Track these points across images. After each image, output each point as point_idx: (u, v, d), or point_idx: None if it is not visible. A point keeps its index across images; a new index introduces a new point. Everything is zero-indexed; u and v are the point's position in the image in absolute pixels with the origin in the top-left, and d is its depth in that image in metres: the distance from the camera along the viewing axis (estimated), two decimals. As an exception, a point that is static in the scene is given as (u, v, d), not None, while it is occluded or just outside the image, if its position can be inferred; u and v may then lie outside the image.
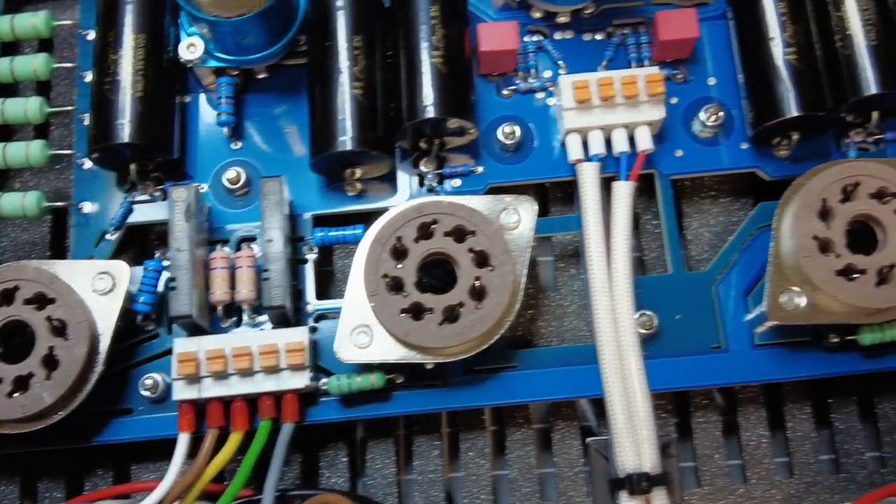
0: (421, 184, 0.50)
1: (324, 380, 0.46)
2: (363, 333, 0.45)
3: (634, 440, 0.46)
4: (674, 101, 0.51)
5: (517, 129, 0.50)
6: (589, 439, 0.48)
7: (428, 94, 0.47)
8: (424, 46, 0.48)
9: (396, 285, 0.44)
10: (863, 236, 0.46)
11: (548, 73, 0.52)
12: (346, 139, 0.47)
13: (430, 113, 0.47)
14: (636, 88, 0.48)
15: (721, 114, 0.50)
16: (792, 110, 0.47)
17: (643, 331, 0.47)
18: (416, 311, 0.44)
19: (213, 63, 0.50)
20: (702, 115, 0.50)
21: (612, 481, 0.46)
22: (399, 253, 0.45)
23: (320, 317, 0.49)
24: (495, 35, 0.49)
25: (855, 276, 0.44)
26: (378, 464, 0.50)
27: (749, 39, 0.49)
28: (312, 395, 0.47)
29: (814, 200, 0.45)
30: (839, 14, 0.49)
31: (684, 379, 0.47)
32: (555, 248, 0.53)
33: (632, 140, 0.49)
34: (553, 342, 0.51)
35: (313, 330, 0.48)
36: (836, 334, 0.47)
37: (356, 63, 0.47)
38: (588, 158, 0.49)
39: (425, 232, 0.45)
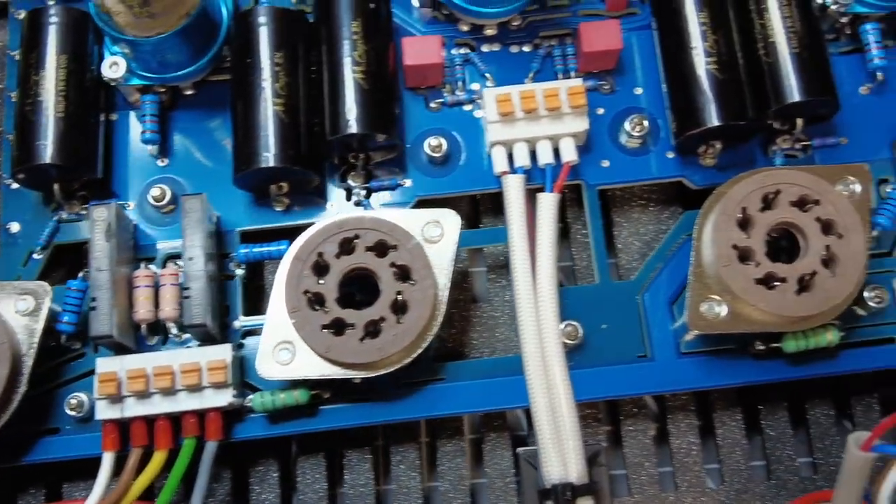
0: (349, 198, 0.50)
1: (250, 397, 0.46)
2: (285, 350, 0.45)
3: (560, 450, 0.46)
4: (600, 111, 0.51)
5: (443, 142, 0.50)
6: (519, 449, 0.49)
7: (350, 109, 0.47)
8: (346, 62, 0.48)
9: (318, 301, 0.44)
10: (788, 244, 0.47)
11: (476, 86, 0.52)
12: (269, 156, 0.47)
13: (353, 128, 0.47)
14: (558, 101, 0.48)
15: (645, 123, 0.50)
16: (713, 120, 0.47)
17: (568, 341, 0.47)
18: (338, 327, 0.44)
19: (136, 81, 0.50)
20: (627, 126, 0.50)
21: (540, 492, 0.46)
22: (320, 269, 0.45)
23: (248, 333, 0.49)
24: (419, 49, 0.50)
25: (775, 284, 0.44)
26: (309, 478, 0.49)
27: (671, 49, 0.49)
28: (238, 413, 0.47)
29: (733, 209, 0.45)
30: (762, 22, 0.49)
31: (610, 388, 0.48)
32: (487, 260, 0.53)
33: (557, 151, 0.49)
34: (485, 353, 0.51)
35: (240, 347, 0.48)
36: (761, 342, 0.47)
37: (277, 79, 0.47)
38: (513, 170, 0.49)
39: (347, 247, 0.45)
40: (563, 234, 0.54)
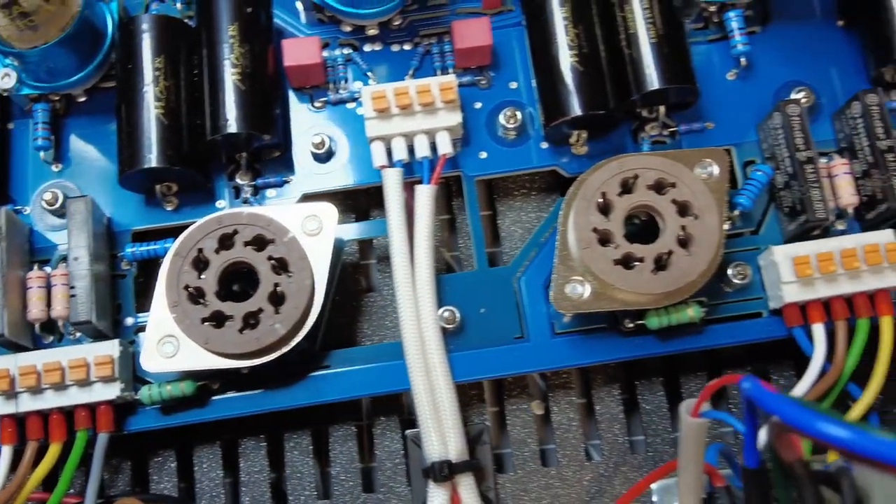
0: (237, 196, 0.52)
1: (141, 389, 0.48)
2: (169, 344, 0.47)
3: (440, 430, 0.48)
4: (478, 105, 0.54)
5: (326, 139, 0.52)
6: (408, 431, 0.51)
7: (229, 109, 0.49)
8: (225, 64, 0.50)
9: (198, 295, 0.46)
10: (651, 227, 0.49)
11: (359, 84, 0.54)
12: (151, 157, 0.49)
13: (231, 128, 0.49)
14: (431, 96, 0.50)
15: (519, 115, 0.52)
16: (575, 110, 0.49)
17: (447, 325, 0.49)
18: (218, 320, 0.46)
19: (28, 91, 0.51)
20: (501, 118, 0.52)
21: (423, 470, 0.48)
22: (200, 264, 0.47)
23: (140, 329, 0.50)
24: (298, 50, 0.52)
25: (635, 264, 0.47)
26: (206, 467, 0.52)
27: (537, 44, 0.52)
28: (131, 406, 0.49)
29: (593, 195, 0.47)
30: (623, 15, 0.51)
31: (488, 369, 0.50)
32: (376, 251, 0.55)
33: (434, 145, 0.52)
34: (375, 340, 0.53)
35: (131, 343, 0.50)
36: (630, 320, 0.50)
37: (158, 83, 0.49)
38: (393, 164, 0.51)
39: (226, 243, 0.47)
40: (451, 224, 0.56)
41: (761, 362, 0.53)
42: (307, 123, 0.53)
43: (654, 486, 0.49)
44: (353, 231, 0.53)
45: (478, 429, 0.51)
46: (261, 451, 0.52)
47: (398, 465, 0.51)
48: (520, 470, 0.51)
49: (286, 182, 0.52)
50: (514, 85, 0.54)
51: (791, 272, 0.47)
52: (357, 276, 0.55)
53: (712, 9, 0.54)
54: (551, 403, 0.53)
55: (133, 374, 0.49)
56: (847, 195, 0.50)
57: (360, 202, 0.56)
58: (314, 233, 0.48)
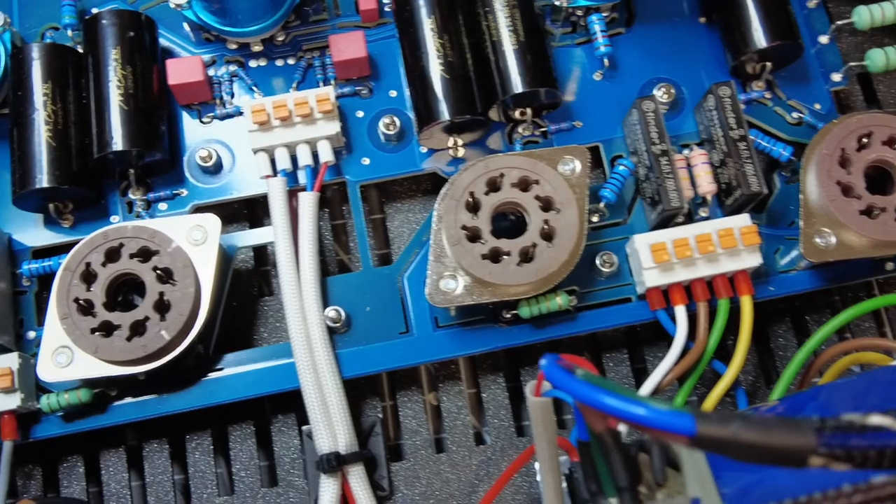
0: (130, 210, 0.55)
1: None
2: (62, 354, 0.49)
3: (330, 424, 0.51)
4: (360, 114, 0.56)
5: (213, 152, 0.54)
6: (304, 427, 0.53)
7: (114, 129, 0.52)
8: (110, 86, 0.52)
9: (88, 307, 0.49)
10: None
11: (246, 99, 0.57)
12: (41, 177, 0.51)
13: (117, 146, 0.51)
14: (308, 108, 0.53)
15: (398, 122, 0.55)
16: (443, 115, 0.52)
17: (333, 325, 0.52)
18: (107, 329, 0.49)
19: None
20: (381, 126, 0.55)
21: (315, 463, 0.51)
22: (89, 277, 0.49)
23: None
24: (182, 69, 0.54)
25: (502, 258, 0.49)
26: (112, 469, 0.54)
27: (408, 54, 0.54)
28: (35, 415, 0.51)
29: (461, 194, 0.50)
30: (487, 23, 0.54)
31: (375, 364, 0.52)
32: (271, 257, 0.58)
33: (316, 154, 0.54)
34: (272, 341, 0.55)
35: (34, 355, 0.52)
36: (507, 310, 0.52)
37: (45, 108, 0.52)
38: (276, 173, 0.54)
39: (113, 256, 0.50)
40: (343, 228, 0.59)
41: (639, 344, 0.56)
42: (196, 138, 0.56)
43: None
44: (247, 239, 0.56)
45: (371, 421, 0.54)
46: (164, 452, 0.54)
47: (296, 459, 0.54)
48: (412, 458, 0.54)
49: (177, 195, 0.55)
50: (393, 93, 0.57)
51: (650, 259, 0.50)
52: (252, 281, 0.57)
53: (579, 13, 0.57)
54: (441, 394, 0.55)
55: (36, 384, 0.51)
56: (706, 184, 0.53)
57: (256, 211, 0.58)
58: (199, 242, 0.51)
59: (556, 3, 0.55)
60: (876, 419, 0.28)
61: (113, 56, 0.53)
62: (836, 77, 0.57)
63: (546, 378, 0.32)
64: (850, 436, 0.28)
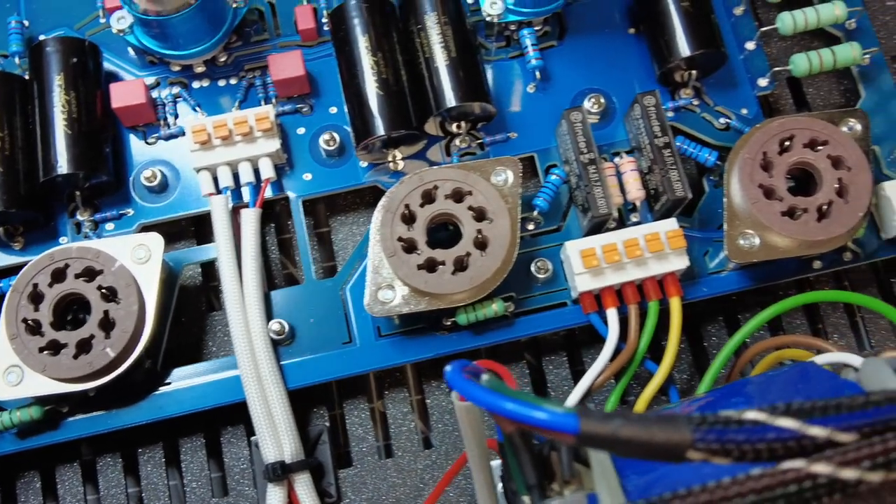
0: (78, 231, 0.56)
1: (1, 417, 0.52)
2: (12, 373, 0.51)
3: (275, 434, 0.52)
4: (301, 131, 0.58)
5: (157, 173, 0.56)
6: (252, 437, 0.55)
7: (59, 153, 0.53)
8: (54, 111, 0.54)
9: (36, 327, 0.50)
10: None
11: (188, 119, 0.58)
12: (-12, 201, 0.53)
13: (62, 169, 0.53)
14: (248, 126, 0.54)
15: (337, 137, 0.57)
16: (378, 130, 0.54)
17: (277, 337, 0.54)
18: (55, 348, 0.50)
19: None
20: (321, 142, 0.57)
21: (262, 472, 0.52)
22: (36, 297, 0.51)
23: (-6, 362, 0.54)
24: (124, 93, 0.56)
25: (437, 268, 0.51)
26: (68, 484, 0.55)
27: (344, 72, 0.56)
28: (-8, 433, 0.53)
29: (397, 207, 0.52)
30: (420, 40, 0.56)
31: (320, 374, 0.54)
32: (218, 272, 0.59)
33: (258, 171, 0.56)
34: (221, 355, 0.57)
35: (-14, 375, 0.54)
36: (447, 318, 0.54)
37: (-6, 134, 0.53)
38: (220, 191, 0.55)
39: (59, 277, 0.51)
40: (290, 241, 0.61)
41: (577, 347, 0.58)
42: (143, 158, 0.58)
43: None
44: (194, 255, 0.57)
45: (317, 430, 0.55)
46: (118, 466, 0.56)
47: (246, 469, 0.55)
48: (359, 464, 0.56)
49: (123, 215, 0.56)
50: (333, 110, 0.58)
51: (580, 264, 0.52)
52: (201, 297, 0.59)
53: (512, 27, 0.59)
54: (387, 401, 0.57)
55: (-10, 404, 0.53)
56: (634, 190, 0.55)
57: (203, 228, 0.60)
58: (143, 261, 0.52)
59: (488, 18, 0.57)
60: (751, 414, 0.30)
61: (57, 82, 0.54)
62: (763, 82, 0.59)
63: (449, 385, 0.33)
64: (726, 431, 0.29)
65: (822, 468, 0.28)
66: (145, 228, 0.56)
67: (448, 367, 0.34)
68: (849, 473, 0.28)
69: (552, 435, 0.30)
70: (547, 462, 0.37)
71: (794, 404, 0.30)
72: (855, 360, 0.46)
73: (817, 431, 0.30)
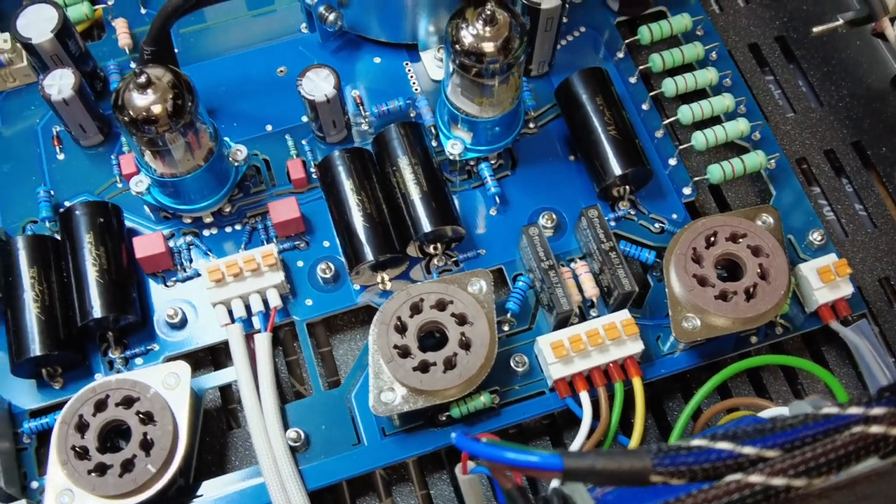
0: (111, 368, 0.64)
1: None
2: (66, 495, 0.57)
3: (300, 532, 0.59)
4: (300, 264, 0.67)
5: (178, 310, 0.64)
6: (278, 539, 0.61)
7: (93, 299, 0.61)
8: (86, 265, 0.62)
9: (83, 453, 0.57)
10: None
11: (202, 262, 0.67)
12: (34, 347, 0.60)
13: (97, 314, 0.61)
14: (256, 264, 0.63)
15: (332, 266, 0.66)
16: (367, 256, 0.63)
17: (294, 444, 0.61)
18: (101, 469, 0.57)
19: (-72, 307, 0.63)
20: (318, 271, 0.66)
21: (290, 569, 0.59)
22: (82, 427, 0.58)
23: (44, 490, 0.60)
24: (146, 244, 0.65)
25: (430, 368, 0.59)
26: None
27: (333, 210, 0.66)
28: (39, 556, 0.59)
29: (390, 319, 0.60)
30: (395, 179, 0.66)
31: (334, 474, 0.61)
32: (236, 394, 0.67)
33: (266, 301, 0.64)
34: (242, 467, 0.64)
35: (39, 501, 0.60)
36: (442, 413, 0.62)
37: (33, 289, 0.62)
38: (234, 321, 0.64)
39: (101, 406, 0.58)
40: (296, 362, 0.69)
41: (559, 430, 0.66)
42: (163, 300, 0.66)
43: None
44: (213, 380, 0.65)
45: (337, 527, 0.62)
46: (156, 579, 0.61)
47: (274, 568, 0.61)
48: (376, 558, 0.62)
49: (150, 349, 0.64)
50: (326, 244, 0.68)
51: (552, 354, 0.61)
52: (221, 417, 0.66)
53: (472, 163, 0.70)
54: (395, 496, 0.64)
55: (40, 529, 0.59)
56: (590, 288, 0.64)
57: (219, 356, 0.68)
58: (173, 387, 0.60)
59: (451, 157, 0.67)
60: (696, 441, 0.39)
61: (87, 240, 0.63)
62: (687, 191, 0.70)
63: (456, 445, 0.41)
64: (678, 456, 0.38)
65: (756, 478, 0.36)
66: (170, 359, 0.64)
67: (454, 434, 0.42)
68: (778, 481, 0.36)
69: (544, 474, 0.38)
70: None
71: (728, 431, 0.39)
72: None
73: (748, 450, 0.38)
